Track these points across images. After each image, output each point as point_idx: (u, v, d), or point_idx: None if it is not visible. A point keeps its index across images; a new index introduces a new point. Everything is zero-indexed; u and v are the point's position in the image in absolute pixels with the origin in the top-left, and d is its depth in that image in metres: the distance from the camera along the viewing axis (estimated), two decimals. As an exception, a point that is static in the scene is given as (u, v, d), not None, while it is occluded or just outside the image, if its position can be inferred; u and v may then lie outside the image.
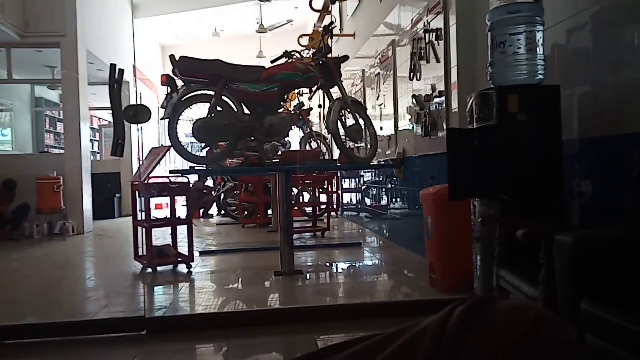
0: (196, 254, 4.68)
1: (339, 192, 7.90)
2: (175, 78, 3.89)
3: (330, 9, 6.90)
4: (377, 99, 6.08)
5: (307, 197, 7.52)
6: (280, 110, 4.54)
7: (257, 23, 10.46)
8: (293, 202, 6.19)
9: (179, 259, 4.39)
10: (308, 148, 6.33)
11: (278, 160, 4.62)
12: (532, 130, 2.45)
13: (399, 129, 5.24)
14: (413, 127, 4.63)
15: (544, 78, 2.51)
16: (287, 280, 3.82)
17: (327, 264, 4.61)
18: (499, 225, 2.33)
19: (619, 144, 2.26)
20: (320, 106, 6.01)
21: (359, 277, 4.08)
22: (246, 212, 7.61)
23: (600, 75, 2.38)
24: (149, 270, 4.24)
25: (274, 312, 3.08)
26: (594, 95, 2.45)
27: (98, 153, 12.32)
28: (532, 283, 1.93)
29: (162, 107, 3.93)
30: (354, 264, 4.57)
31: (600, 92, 2.39)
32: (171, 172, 4.09)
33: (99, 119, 12.80)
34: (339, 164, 4.81)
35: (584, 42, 2.48)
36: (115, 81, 3.24)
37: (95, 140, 12.21)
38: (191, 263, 4.33)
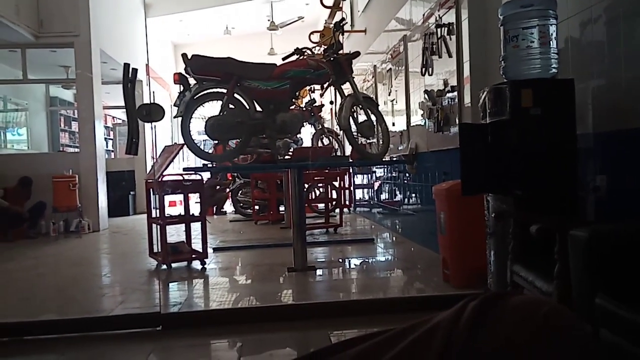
0: (210, 250, 4.72)
1: (351, 188, 7.90)
2: (188, 76, 3.92)
3: (340, 5, 6.89)
4: (389, 95, 6.06)
5: (318, 193, 7.54)
6: (292, 107, 4.56)
7: (268, 20, 10.48)
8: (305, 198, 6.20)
9: (193, 256, 4.43)
10: (320, 144, 6.34)
11: (290, 157, 4.63)
12: (545, 125, 2.42)
13: (411, 125, 5.22)
14: (425, 123, 4.61)
15: (558, 72, 2.48)
16: (300, 276, 3.84)
17: (340, 260, 4.62)
18: (512, 221, 2.32)
19: (633, 137, 2.24)
20: (331, 102, 5.99)
21: (371, 273, 4.09)
22: (257, 208, 7.64)
23: (615, 68, 2.35)
24: (164, 266, 4.28)
25: (288, 308, 3.10)
26: (608, 88, 2.42)
27: (112, 151, 12.44)
28: (546, 278, 1.92)
29: (174, 105, 3.96)
30: (367, 260, 4.57)
31: (614, 85, 2.36)
32: (184, 169, 4.13)
33: (113, 117, 12.93)
34: (350, 160, 4.81)
35: (598, 35, 2.45)
36: (129, 80, 3.27)
37: (109, 139, 12.33)
38: (205, 259, 4.37)
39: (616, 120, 2.36)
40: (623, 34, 2.29)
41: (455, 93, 3.91)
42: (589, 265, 1.65)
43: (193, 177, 4.47)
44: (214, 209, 9.20)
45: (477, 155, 2.65)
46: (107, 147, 11.46)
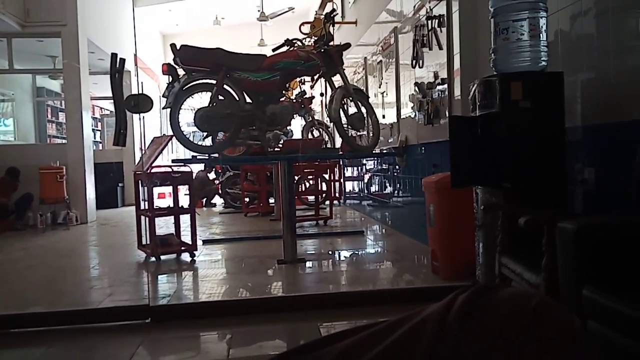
0: (199, 242, 4.70)
1: (341, 180, 7.90)
2: (177, 67, 3.88)
3: (331, -4, 6.86)
4: (379, 87, 6.06)
5: (308, 185, 7.53)
6: (282, 99, 4.53)
7: (258, 11, 10.39)
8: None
9: (182, 248, 4.40)
10: (310, 137, 6.32)
11: (280, 149, 4.61)
12: (535, 117, 2.43)
13: (401, 117, 5.22)
14: (415, 115, 4.61)
15: (547, 65, 2.49)
16: (290, 268, 3.84)
17: (330, 252, 4.62)
18: (501, 213, 2.33)
19: (622, 130, 2.25)
20: (322, 94, 5.97)
21: (361, 265, 4.10)
22: (247, 200, 7.62)
23: (604, 61, 2.36)
24: (153, 259, 4.26)
25: (277, 300, 3.10)
26: (597, 81, 2.43)
27: (100, 142, 12.31)
28: (534, 270, 1.94)
29: (163, 96, 3.92)
30: (357, 252, 4.58)
31: (603, 78, 2.38)
32: (173, 161, 4.10)
33: (101, 108, 12.78)
34: (341, 153, 4.80)
35: (588, 28, 2.46)
36: (117, 70, 3.23)
37: (97, 130, 12.19)
38: (194, 252, 4.35)
39: (605, 113, 2.37)
40: (612, 27, 2.30)
41: (446, 86, 3.91)
42: (577, 257, 1.66)
43: (182, 169, 4.44)
44: (204, 201, 9.16)
45: (466, 148, 2.66)
46: (95, 138, 11.35)
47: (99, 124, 12.44)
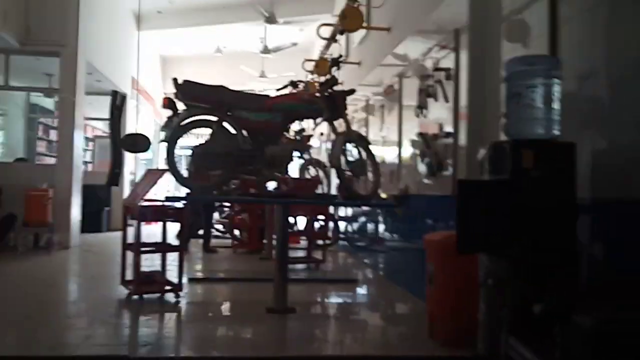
0: (184, 279, 4.52)
1: (335, 221, 7.74)
2: (177, 101, 3.80)
3: (337, 38, 6.86)
4: (380, 130, 6.00)
5: (300, 222, 7.36)
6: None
7: (261, 42, 10.43)
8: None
9: (167, 287, 4.22)
10: (306, 176, 6.22)
11: (275, 188, 4.50)
12: (546, 187, 2.36)
13: (402, 164, 5.14)
14: (417, 164, 4.53)
15: (560, 133, 2.43)
16: (279, 319, 3.66)
17: (321, 303, 4.46)
18: (509, 289, 2.22)
19: (634, 207, 2.18)
20: (321, 134, 5.91)
21: (353, 323, 3.92)
22: (236, 235, 7.41)
23: (617, 133, 2.31)
24: (135, 296, 4.07)
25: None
26: (609, 153, 2.37)
27: (90, 163, 12.10)
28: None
29: (161, 129, 3.82)
30: (349, 305, 4.42)
31: (616, 151, 2.32)
32: (167, 198, 3.96)
33: (94, 128, 12.62)
34: (337, 200, 4.69)
35: (600, 97, 2.42)
36: (116, 107, 3.12)
37: (88, 149, 12.00)
38: (179, 292, 4.16)
39: (617, 187, 2.31)
40: (626, 98, 2.25)
41: (451, 139, 3.84)
42: (593, 353, 1.57)
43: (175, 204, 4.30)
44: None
45: (474, 213, 2.57)
46: (85, 158, 11.15)
47: (91, 144, 12.25)
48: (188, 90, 3.80)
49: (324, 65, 6.59)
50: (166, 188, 8.73)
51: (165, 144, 3.76)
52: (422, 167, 4.37)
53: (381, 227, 5.86)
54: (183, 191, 4.01)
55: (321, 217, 6.57)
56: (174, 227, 4.98)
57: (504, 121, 2.53)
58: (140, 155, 9.32)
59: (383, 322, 3.95)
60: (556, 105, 2.40)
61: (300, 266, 6.00)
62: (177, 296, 4.14)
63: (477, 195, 2.55)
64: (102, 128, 12.27)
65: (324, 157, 7.58)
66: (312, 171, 6.41)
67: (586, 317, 1.60)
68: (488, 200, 2.52)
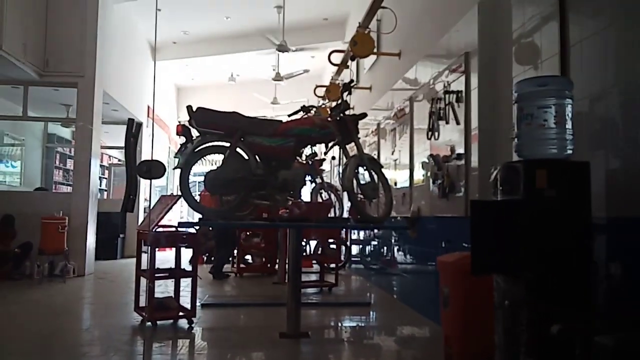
0: (197, 304, 4.50)
1: (348, 244, 7.72)
2: (191, 128, 3.85)
3: (348, 64, 6.95)
4: (392, 154, 6.01)
5: (314, 249, 7.34)
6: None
7: (274, 70, 10.60)
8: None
9: (180, 313, 4.21)
10: (319, 199, 6.23)
11: (287, 212, 4.50)
12: (560, 207, 2.33)
13: (414, 185, 5.14)
14: (429, 186, 4.52)
15: (573, 152, 2.41)
16: (292, 344, 3.63)
17: (335, 327, 4.41)
18: (526, 311, 2.18)
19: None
20: (333, 158, 5.93)
21: (367, 347, 3.87)
22: (249, 260, 7.41)
23: (631, 152, 2.29)
24: (149, 323, 4.06)
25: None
26: (624, 172, 2.35)
27: (106, 190, 12.27)
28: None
29: (175, 156, 3.87)
30: (363, 329, 4.36)
31: (630, 169, 2.29)
32: (180, 224, 3.99)
33: (109, 156, 12.83)
34: (350, 223, 4.68)
35: (613, 117, 2.41)
36: (132, 135, 3.18)
37: (103, 177, 12.18)
38: (192, 318, 4.15)
39: (633, 206, 2.28)
40: (638, 117, 2.24)
41: (463, 161, 3.83)
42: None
43: (188, 230, 4.32)
44: (204, 257, 8.96)
45: (488, 234, 2.55)
46: (100, 185, 11.32)
47: (106, 171, 12.44)
48: (202, 117, 3.86)
49: (336, 90, 6.67)
50: (179, 214, 8.80)
51: (179, 170, 3.81)
52: (434, 189, 4.36)
53: (394, 250, 5.81)
54: (196, 216, 4.04)
55: (333, 240, 6.56)
56: (187, 253, 4.98)
57: (515, 142, 2.52)
58: (155, 181, 9.41)
59: (397, 346, 3.88)
60: (568, 125, 2.40)
61: (313, 290, 5.96)
62: (191, 322, 4.13)
63: (490, 216, 2.53)
64: (118, 156, 12.47)
65: (336, 181, 7.60)
66: (324, 195, 6.42)
67: (609, 337, 1.56)
68: (502, 220, 2.50)
